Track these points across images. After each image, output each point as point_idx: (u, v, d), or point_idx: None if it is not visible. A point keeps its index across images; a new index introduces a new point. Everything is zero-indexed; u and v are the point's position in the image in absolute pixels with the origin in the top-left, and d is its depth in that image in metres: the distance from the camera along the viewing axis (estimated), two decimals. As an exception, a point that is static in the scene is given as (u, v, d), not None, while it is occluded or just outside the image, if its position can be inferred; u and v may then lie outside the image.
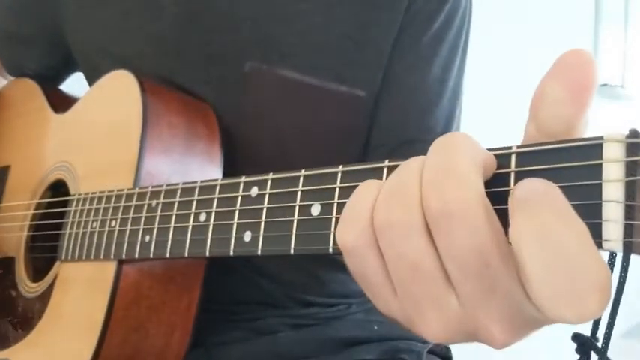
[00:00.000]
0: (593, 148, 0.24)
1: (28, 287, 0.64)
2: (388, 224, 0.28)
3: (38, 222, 0.66)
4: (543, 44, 1.97)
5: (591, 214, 0.24)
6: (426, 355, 0.67)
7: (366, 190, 0.30)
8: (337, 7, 0.58)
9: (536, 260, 0.23)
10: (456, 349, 0.74)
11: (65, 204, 0.61)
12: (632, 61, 2.37)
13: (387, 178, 0.31)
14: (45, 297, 0.60)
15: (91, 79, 0.69)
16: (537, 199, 0.23)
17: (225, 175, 0.58)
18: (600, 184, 0.24)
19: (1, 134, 0.79)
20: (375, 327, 0.67)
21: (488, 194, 0.26)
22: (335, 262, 0.67)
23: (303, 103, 0.59)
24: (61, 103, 0.73)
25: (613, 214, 0.23)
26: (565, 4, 2.17)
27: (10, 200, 0.72)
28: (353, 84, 0.58)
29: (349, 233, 0.29)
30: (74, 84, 0.81)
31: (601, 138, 0.24)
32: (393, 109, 0.59)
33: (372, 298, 0.32)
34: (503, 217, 0.26)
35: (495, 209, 0.26)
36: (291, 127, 0.60)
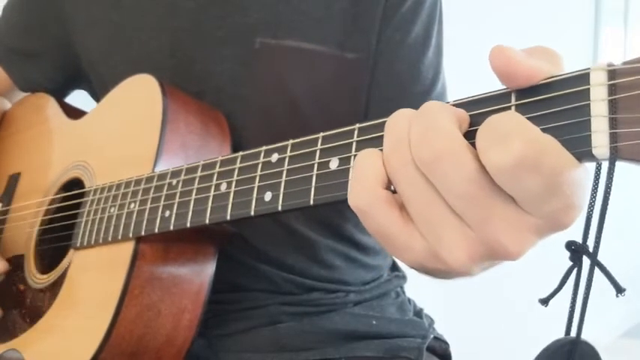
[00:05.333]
0: (582, 77, 0.29)
1: (38, 279, 0.66)
2: (393, 179, 0.33)
3: (51, 216, 0.69)
4: (543, 44, 2.05)
5: (582, 128, 0.28)
6: (425, 352, 0.70)
7: (366, 157, 0.35)
8: None
9: (520, 188, 0.29)
10: (455, 349, 0.76)
11: (79, 198, 0.64)
12: None
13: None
14: (56, 285, 0.62)
15: (102, 85, 0.73)
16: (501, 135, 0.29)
17: (245, 148, 0.63)
18: (589, 104, 0.28)
19: (13, 145, 0.82)
20: (374, 322, 0.70)
21: None
22: (334, 248, 0.71)
23: (312, 69, 0.66)
24: (75, 114, 0.77)
25: (600, 126, 0.28)
26: (565, 4, 2.22)
27: (20, 202, 0.75)
28: (354, 50, 0.66)
29: (360, 196, 0.34)
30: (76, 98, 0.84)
31: (588, 69, 0.29)
32: (385, 64, 0.67)
33: (393, 252, 0.35)
34: None
35: None
36: (303, 92, 0.66)
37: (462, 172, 0.30)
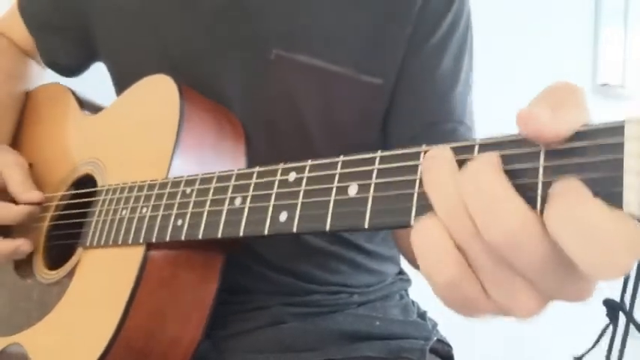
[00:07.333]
0: (616, 129, 0.28)
1: (46, 274, 0.66)
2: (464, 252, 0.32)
3: (61, 212, 0.68)
4: (543, 44, 2.03)
5: (614, 184, 0.28)
6: (428, 353, 0.70)
7: (427, 236, 0.33)
8: (356, 6, 0.65)
9: (569, 240, 0.27)
10: (458, 352, 0.76)
11: (90, 196, 0.64)
12: (632, 61, 2.34)
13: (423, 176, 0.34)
14: (64, 283, 0.62)
15: (119, 70, 0.73)
16: (560, 193, 0.28)
17: (250, 161, 0.63)
18: (622, 158, 0.27)
19: (26, 135, 0.82)
20: (377, 323, 0.70)
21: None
22: (337, 254, 0.71)
23: (325, 88, 0.65)
24: (90, 108, 0.77)
25: (634, 183, 0.27)
26: (565, 4, 2.21)
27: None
28: (370, 73, 0.64)
29: (440, 276, 0.32)
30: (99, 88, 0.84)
31: (623, 120, 0.28)
32: (411, 97, 0.66)
33: (462, 312, 0.34)
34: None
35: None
36: (312, 110, 0.65)
37: (536, 254, 0.29)
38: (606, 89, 2.31)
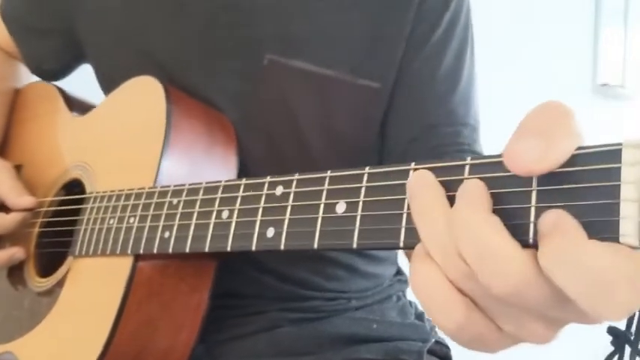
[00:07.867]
0: (613, 153, 0.27)
1: (37, 282, 0.65)
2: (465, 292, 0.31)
3: (50, 219, 0.67)
4: (543, 44, 2.02)
5: (610, 213, 0.26)
6: (426, 355, 0.69)
7: (426, 286, 0.32)
8: (352, 6, 0.63)
9: (566, 283, 0.26)
10: (456, 353, 0.75)
11: (79, 202, 0.63)
12: (632, 61, 2.34)
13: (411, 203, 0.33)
14: (54, 292, 0.61)
15: (107, 73, 0.71)
16: (552, 232, 0.27)
17: (245, 168, 0.62)
18: (619, 185, 0.26)
19: (15, 134, 0.81)
20: (374, 326, 0.69)
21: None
22: (334, 260, 0.69)
23: (320, 93, 0.63)
24: (79, 107, 0.75)
25: (630, 212, 0.25)
26: (565, 4, 2.21)
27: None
28: (368, 77, 0.62)
29: (448, 322, 0.31)
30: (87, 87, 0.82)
31: (620, 144, 0.26)
32: (410, 99, 0.64)
33: (478, 349, 0.33)
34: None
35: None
36: (308, 116, 0.64)
37: (538, 301, 0.28)
38: (606, 89, 2.29)
